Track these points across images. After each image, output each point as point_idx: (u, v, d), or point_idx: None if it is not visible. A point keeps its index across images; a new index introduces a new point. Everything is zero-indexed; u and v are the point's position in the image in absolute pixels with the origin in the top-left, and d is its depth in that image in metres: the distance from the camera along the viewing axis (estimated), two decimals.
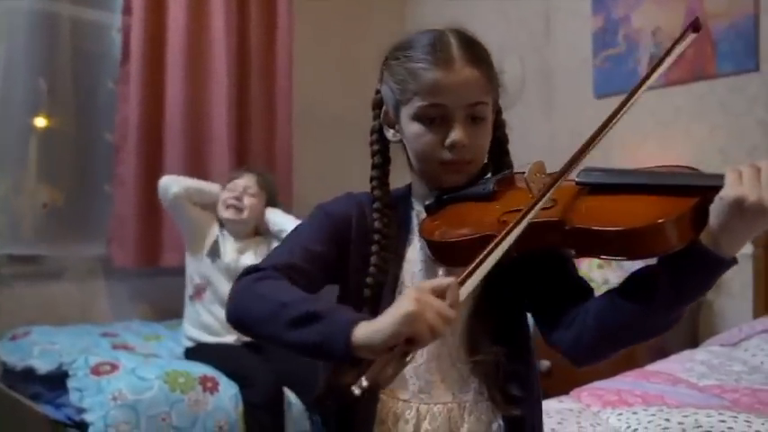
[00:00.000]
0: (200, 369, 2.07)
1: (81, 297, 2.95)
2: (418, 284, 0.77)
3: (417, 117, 0.99)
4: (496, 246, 0.83)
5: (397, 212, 1.06)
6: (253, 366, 2.13)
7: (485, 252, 0.82)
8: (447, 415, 0.98)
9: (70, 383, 1.93)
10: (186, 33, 2.98)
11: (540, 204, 0.87)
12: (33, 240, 2.83)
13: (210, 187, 2.42)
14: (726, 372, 1.90)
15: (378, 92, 1.08)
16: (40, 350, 2.25)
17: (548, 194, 0.88)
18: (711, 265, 0.82)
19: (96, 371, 1.93)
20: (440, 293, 0.76)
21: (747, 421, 1.40)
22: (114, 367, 1.95)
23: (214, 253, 2.33)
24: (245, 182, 2.40)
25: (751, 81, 2.89)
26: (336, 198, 1.10)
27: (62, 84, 2.89)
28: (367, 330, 0.76)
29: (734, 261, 0.82)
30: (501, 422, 0.99)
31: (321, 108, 3.81)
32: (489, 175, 1.07)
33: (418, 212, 1.07)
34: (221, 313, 2.24)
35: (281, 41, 3.32)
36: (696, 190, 0.85)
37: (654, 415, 1.49)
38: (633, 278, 0.91)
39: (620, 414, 1.54)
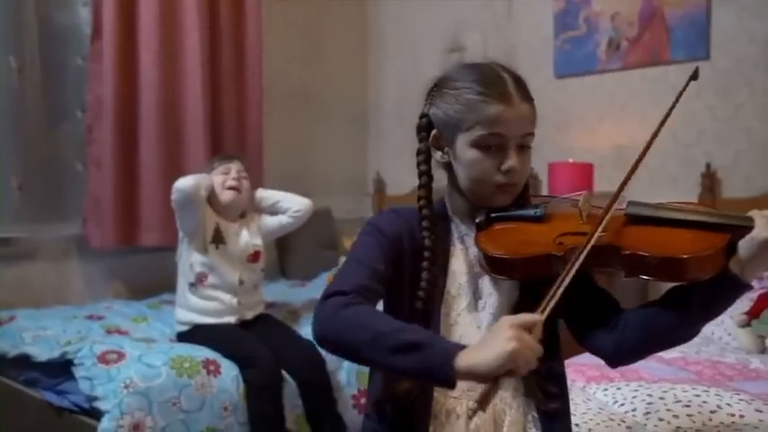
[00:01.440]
0: (202, 353, 2.14)
1: (56, 278, 2.96)
2: (509, 321, 0.87)
3: (476, 144, 1.10)
4: (568, 273, 0.95)
5: (440, 229, 1.17)
6: (253, 348, 2.22)
7: (558, 282, 0.94)
8: (492, 409, 1.12)
9: (78, 372, 1.97)
10: (158, 9, 2.94)
11: (600, 230, 1.00)
12: (7, 222, 2.79)
13: (206, 178, 2.41)
14: (686, 344, 2.12)
15: (424, 116, 1.18)
16: (32, 336, 2.27)
17: (605, 221, 1.01)
18: (738, 289, 1.00)
19: (104, 359, 1.98)
20: (529, 329, 0.88)
21: (718, 395, 1.61)
22: (121, 356, 2.01)
23: (218, 239, 2.37)
24: (235, 166, 2.45)
25: (702, 68, 3.06)
26: (386, 216, 1.19)
27: (30, 61, 2.82)
28: (470, 361, 0.87)
29: (751, 286, 0.99)
30: (535, 413, 1.14)
31: (287, 84, 3.85)
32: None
33: (457, 226, 1.18)
34: (225, 296, 2.35)
35: (251, 18, 3.33)
36: (728, 228, 1.01)
37: (636, 390, 1.68)
38: (670, 295, 1.06)
39: (606, 390, 1.73)
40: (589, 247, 0.98)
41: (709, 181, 3.03)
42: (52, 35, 2.91)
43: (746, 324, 2.25)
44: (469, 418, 0.86)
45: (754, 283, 2.13)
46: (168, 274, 3.27)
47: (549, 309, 0.91)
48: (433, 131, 1.16)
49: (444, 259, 1.16)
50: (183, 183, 2.28)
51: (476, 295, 1.15)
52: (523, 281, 1.13)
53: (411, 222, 1.16)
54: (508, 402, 1.13)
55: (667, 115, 1.16)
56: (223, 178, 2.43)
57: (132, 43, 2.91)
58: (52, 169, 2.94)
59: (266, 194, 2.56)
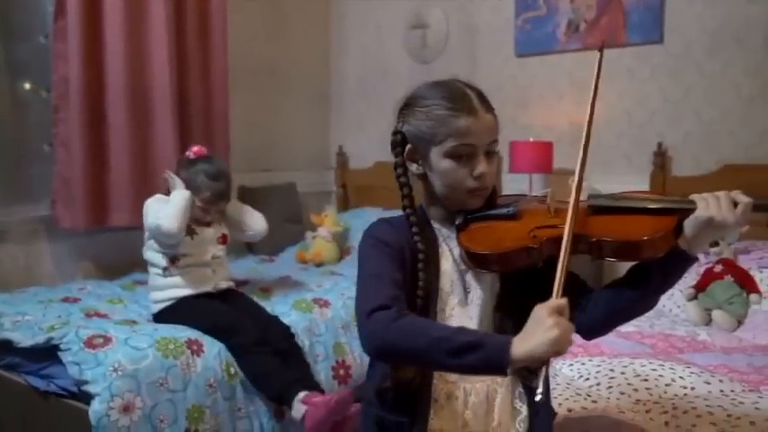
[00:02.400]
0: (184, 333, 2.20)
1: (26, 259, 2.95)
2: (545, 309, 1.01)
3: (449, 154, 1.21)
4: (565, 258, 1.09)
5: (428, 233, 1.27)
6: (234, 316, 2.31)
7: (560, 267, 1.08)
8: (485, 390, 1.25)
9: (65, 358, 2.01)
10: None
11: (571, 221, 1.13)
12: None
13: (187, 199, 2.38)
14: (641, 318, 2.30)
15: (397, 133, 1.27)
16: (11, 322, 2.29)
17: (573, 213, 1.15)
18: (687, 262, 1.16)
19: (90, 344, 2.02)
20: (561, 312, 1.01)
21: (672, 369, 1.78)
22: (107, 340, 2.05)
23: (191, 232, 2.44)
24: (220, 207, 2.52)
25: (655, 51, 3.25)
26: (381, 227, 1.27)
27: None
28: (523, 350, 0.99)
29: (697, 258, 1.17)
30: (521, 389, 1.27)
31: (251, 60, 3.86)
32: None
33: (438, 230, 1.29)
34: (198, 270, 2.43)
35: None
36: (675, 212, 1.16)
37: (599, 366, 1.84)
38: (631, 273, 1.21)
39: (572, 365, 1.89)
40: (570, 227, 1.12)
41: (661, 159, 3.21)
42: (13, 13, 2.84)
43: (694, 297, 2.44)
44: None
45: (700, 258, 2.32)
46: (137, 252, 3.30)
47: (561, 290, 1.06)
48: (408, 146, 1.26)
49: (435, 260, 1.26)
50: (167, 225, 2.29)
51: (465, 290, 1.26)
52: (504, 272, 1.25)
53: (403, 230, 1.26)
54: (499, 382, 1.26)
55: (594, 97, 1.26)
56: (203, 211, 2.47)
57: (97, 22, 2.87)
58: (18, 150, 2.90)
59: (232, 212, 2.60)
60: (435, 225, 1.29)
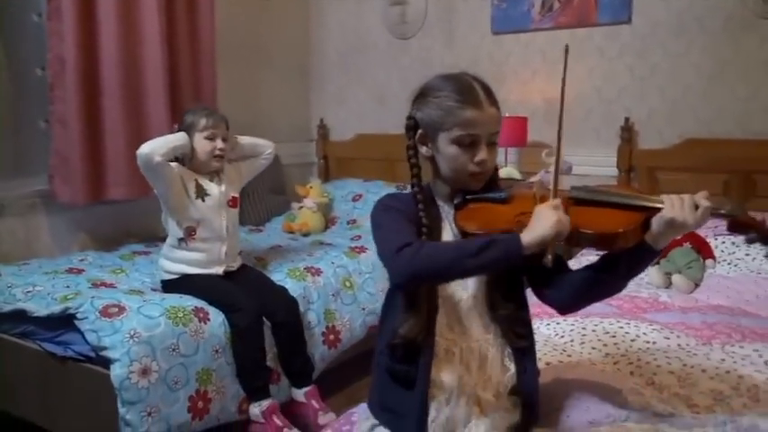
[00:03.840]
0: (191, 302, 2.35)
1: (25, 232, 3.05)
2: (546, 206, 1.24)
3: (455, 141, 1.36)
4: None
5: (432, 209, 1.45)
6: (237, 295, 2.44)
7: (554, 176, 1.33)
8: (479, 348, 1.43)
9: (83, 326, 2.15)
10: None
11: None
12: None
13: (181, 140, 2.49)
14: None
15: (411, 118, 1.43)
16: (23, 293, 2.42)
17: (554, 191, 1.34)
18: (652, 255, 1.33)
19: (106, 313, 2.17)
20: (557, 208, 1.24)
21: (636, 326, 2.01)
22: (122, 309, 2.20)
23: (201, 193, 2.50)
24: (222, 131, 2.55)
25: (623, 31, 3.44)
26: (390, 200, 1.43)
27: None
28: (531, 237, 1.21)
29: (660, 251, 1.34)
30: (509, 350, 1.46)
31: (235, 35, 3.95)
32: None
33: (442, 206, 1.46)
34: (213, 247, 2.56)
35: None
36: (645, 209, 1.32)
37: (573, 325, 2.06)
38: (603, 261, 1.38)
39: (548, 324, 2.10)
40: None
41: (628, 133, 3.43)
42: None
43: (656, 263, 2.68)
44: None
45: None
46: (131, 224, 3.44)
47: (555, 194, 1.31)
48: (419, 131, 1.42)
49: (438, 234, 1.43)
50: (141, 149, 2.38)
51: None
52: None
53: (409, 204, 1.42)
54: (491, 342, 1.44)
55: (563, 84, 1.39)
56: (211, 146, 2.52)
57: (90, 1, 2.94)
58: (15, 127, 2.98)
59: (243, 141, 2.71)
60: (440, 202, 1.45)
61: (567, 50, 1.41)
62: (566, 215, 1.24)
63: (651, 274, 2.61)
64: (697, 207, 1.26)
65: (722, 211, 1.30)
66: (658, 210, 1.28)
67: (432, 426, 1.39)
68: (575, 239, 1.32)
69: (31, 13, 2.99)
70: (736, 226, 1.32)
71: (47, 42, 2.93)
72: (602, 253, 1.39)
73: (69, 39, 2.88)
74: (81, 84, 2.93)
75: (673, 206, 1.27)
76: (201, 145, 2.52)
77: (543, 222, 1.22)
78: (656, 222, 1.28)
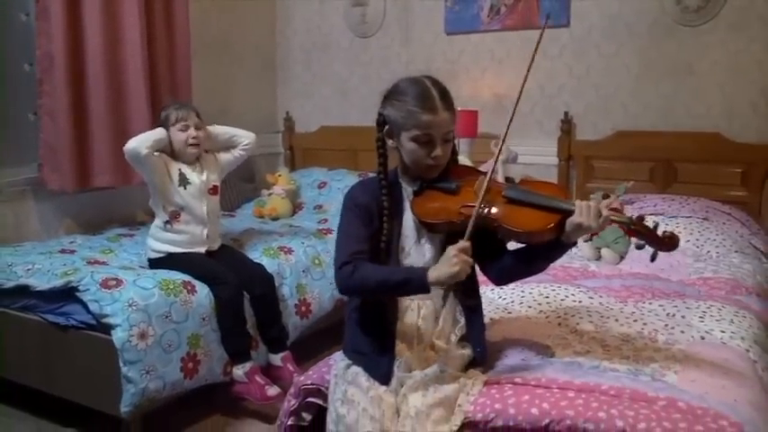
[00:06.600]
0: (178, 276, 2.63)
1: (14, 217, 3.27)
2: (453, 250, 1.49)
3: (414, 139, 1.65)
4: (475, 216, 1.58)
5: (395, 192, 1.76)
6: (220, 270, 2.73)
7: (469, 229, 1.56)
8: (433, 305, 1.73)
9: (85, 297, 2.41)
10: None
11: (479, 206, 1.60)
12: None
13: (160, 134, 2.74)
14: None
15: (380, 115, 1.71)
16: (24, 270, 2.67)
17: (482, 198, 1.61)
18: (565, 247, 1.63)
19: (106, 285, 2.43)
20: (465, 252, 1.51)
21: (566, 289, 2.39)
22: (119, 282, 2.47)
23: (184, 182, 2.77)
24: (192, 121, 2.80)
25: (563, 34, 3.82)
26: (357, 189, 1.71)
27: None
28: (435, 277, 1.49)
29: (575, 244, 1.66)
30: (460, 307, 1.78)
31: (206, 33, 4.21)
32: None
33: (405, 189, 1.75)
34: (196, 230, 2.86)
35: None
36: (561, 211, 1.59)
37: (513, 289, 2.42)
38: (526, 249, 1.68)
39: (493, 289, 2.45)
40: (476, 214, 1.58)
41: (567, 126, 3.82)
42: None
43: (589, 239, 3.06)
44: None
45: None
46: (114, 210, 3.69)
47: (468, 236, 1.54)
48: (386, 126, 1.70)
49: (399, 213, 1.72)
50: (127, 145, 2.65)
51: (419, 235, 1.73)
52: (438, 232, 1.72)
53: (374, 189, 1.70)
54: (445, 301, 1.76)
55: (527, 74, 1.75)
56: (185, 136, 2.78)
57: (76, 2, 3.17)
58: (5, 119, 3.20)
59: (219, 131, 2.94)
60: (403, 184, 1.73)
61: (547, 18, 1.69)
62: (469, 259, 1.48)
63: (583, 248, 2.99)
64: (600, 214, 1.52)
65: (620, 219, 1.58)
66: (571, 212, 1.54)
67: (396, 363, 1.68)
68: (503, 234, 1.61)
69: (19, 13, 3.21)
70: (632, 232, 1.60)
71: (35, 40, 3.16)
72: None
73: (57, 38, 3.11)
74: (68, 79, 3.17)
75: (581, 212, 1.53)
76: (177, 136, 2.78)
77: (446, 268, 1.48)
78: (567, 224, 1.56)
